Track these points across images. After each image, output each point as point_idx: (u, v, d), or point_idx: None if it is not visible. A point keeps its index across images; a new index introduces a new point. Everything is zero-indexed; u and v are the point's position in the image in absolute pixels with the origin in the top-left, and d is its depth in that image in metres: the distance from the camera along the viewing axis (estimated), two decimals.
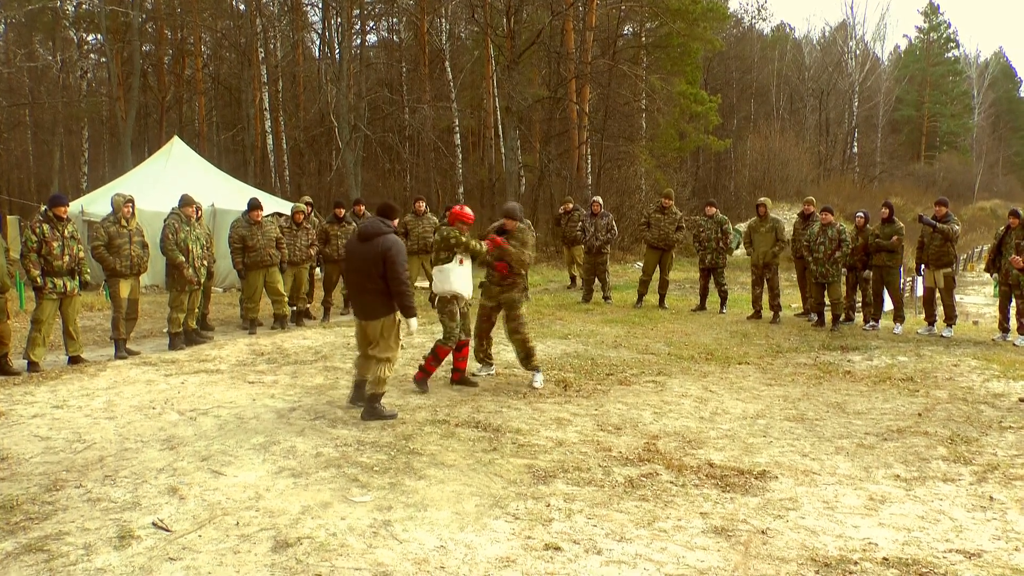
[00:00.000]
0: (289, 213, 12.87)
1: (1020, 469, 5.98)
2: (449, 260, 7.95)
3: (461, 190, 34.41)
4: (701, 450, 6.25)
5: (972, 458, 6.26)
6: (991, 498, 5.41)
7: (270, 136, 34.37)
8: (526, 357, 8.35)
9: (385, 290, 6.87)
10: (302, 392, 7.96)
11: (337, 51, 31.54)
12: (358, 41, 35.85)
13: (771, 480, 5.61)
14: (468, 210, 8.13)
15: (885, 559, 4.41)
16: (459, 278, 7.97)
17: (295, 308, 12.41)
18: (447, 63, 34.85)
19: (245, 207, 11.82)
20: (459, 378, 8.33)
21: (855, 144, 60.01)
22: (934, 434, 6.89)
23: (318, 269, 13.58)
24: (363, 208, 13.89)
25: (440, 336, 8.23)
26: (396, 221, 7.19)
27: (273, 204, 18.28)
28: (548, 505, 5.03)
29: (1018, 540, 4.73)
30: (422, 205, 14.06)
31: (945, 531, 4.85)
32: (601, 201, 14.90)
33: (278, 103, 35.68)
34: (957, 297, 18.28)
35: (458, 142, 34.63)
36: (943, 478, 5.81)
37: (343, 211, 12.82)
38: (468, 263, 8.08)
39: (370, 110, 33.41)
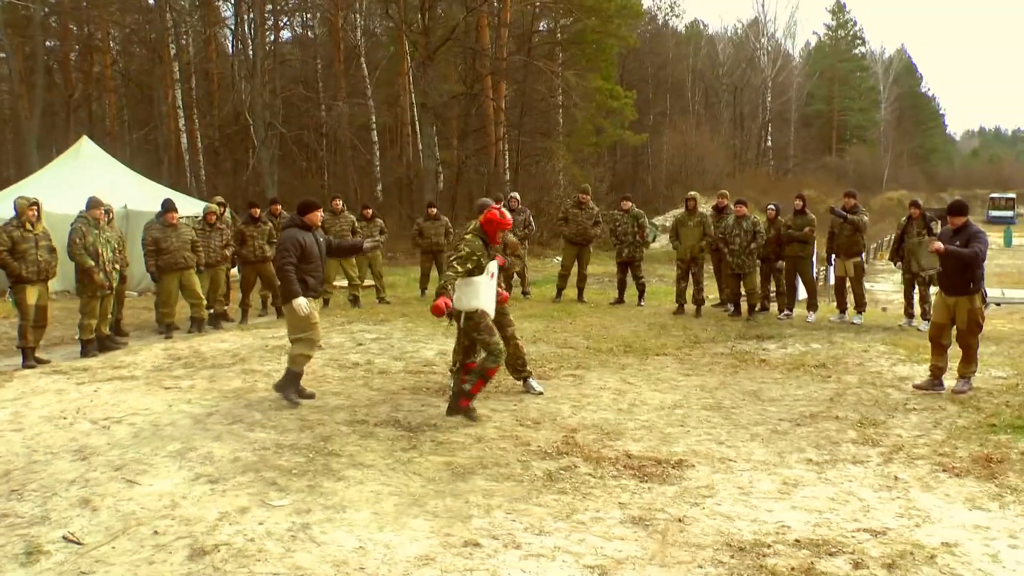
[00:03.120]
0: (201, 214, 12.60)
1: (922, 449, 6.22)
2: (478, 272, 6.89)
3: (380, 187, 34.18)
4: (619, 441, 6.33)
5: (879, 440, 6.49)
6: (896, 478, 5.62)
7: (184, 135, 33.61)
8: (523, 364, 7.88)
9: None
10: (219, 396, 7.81)
11: (251, 47, 30.94)
12: (272, 37, 35.25)
13: (688, 468, 5.72)
14: (500, 212, 7.10)
15: (797, 541, 4.54)
16: (488, 293, 7.07)
17: (212, 311, 12.17)
18: (362, 59, 34.54)
19: (160, 208, 11.56)
20: (468, 404, 7.02)
21: (769, 138, 61.42)
22: (844, 418, 7.11)
23: (235, 270, 13.33)
24: (279, 208, 13.69)
25: (482, 357, 7.08)
26: (316, 213, 7.56)
27: (188, 204, 17.87)
28: (467, 502, 5.04)
29: (919, 516, 4.92)
30: (339, 203, 13.92)
31: (854, 511, 5.02)
32: (519, 196, 14.94)
33: (192, 101, 34.89)
34: (868, 285, 18.87)
35: (375, 139, 34.36)
36: (852, 460, 6.01)
37: (258, 211, 12.61)
38: (496, 277, 7.22)
39: (285, 108, 32.92)
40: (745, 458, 6.00)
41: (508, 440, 6.32)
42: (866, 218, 12.32)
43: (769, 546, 4.46)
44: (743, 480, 5.52)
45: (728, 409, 7.41)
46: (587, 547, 4.42)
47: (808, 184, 48.81)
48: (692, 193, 13.76)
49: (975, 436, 6.56)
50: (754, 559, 4.31)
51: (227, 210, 13.04)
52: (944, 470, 5.76)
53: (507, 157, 32.56)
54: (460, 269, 6.77)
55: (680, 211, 13.65)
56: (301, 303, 7.27)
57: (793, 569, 4.20)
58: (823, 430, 6.75)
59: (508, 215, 7.13)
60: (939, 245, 7.76)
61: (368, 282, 14.58)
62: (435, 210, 15.16)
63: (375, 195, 33.21)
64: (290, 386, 7.49)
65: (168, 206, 11.49)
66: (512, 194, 15.19)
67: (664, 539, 4.54)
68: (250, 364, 9.32)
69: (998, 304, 18.53)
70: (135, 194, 17.39)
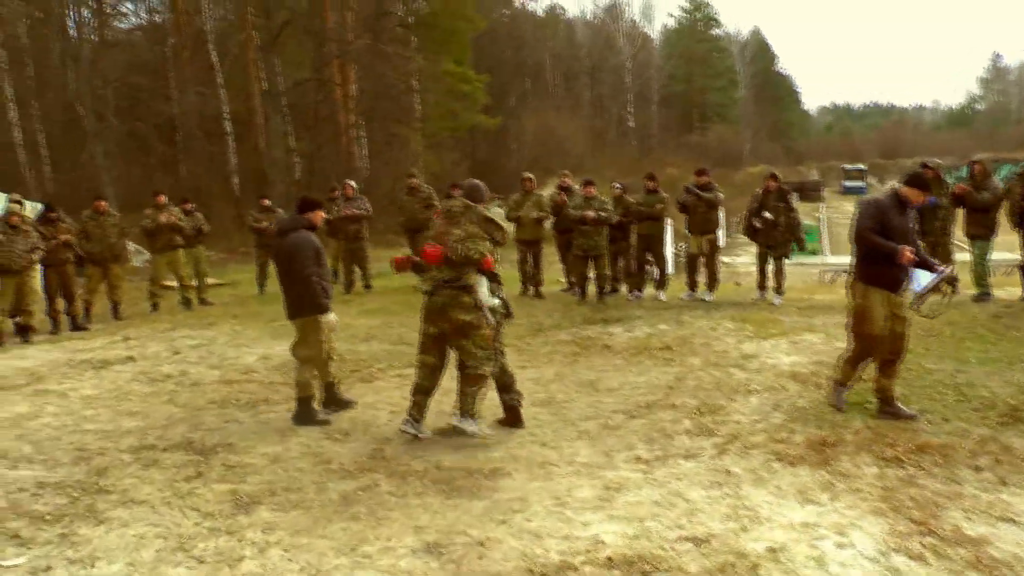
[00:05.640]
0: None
1: (758, 436, 5.86)
2: None
3: (237, 180, 32.61)
4: (432, 450, 5.70)
5: (716, 428, 6.11)
6: (728, 472, 5.22)
7: (18, 129, 30.97)
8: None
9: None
10: None
11: (73, 30, 28.67)
12: (92, 21, 32.86)
13: (502, 478, 5.16)
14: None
15: (609, 559, 4.05)
16: None
17: (17, 322, 10.99)
18: (211, 45, 32.77)
19: None
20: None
21: (631, 118, 62.06)
22: (682, 406, 6.72)
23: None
24: (104, 204, 12.52)
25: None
26: (318, 214, 6.76)
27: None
28: (242, 540, 4.35)
29: (747, 517, 4.51)
30: (163, 198, 12.90)
31: (678, 516, 4.57)
32: (355, 184, 14.13)
33: (29, 90, 32.18)
34: (730, 259, 18.91)
35: (228, 130, 32.71)
36: (685, 455, 5.59)
37: (55, 213, 11.56)
38: None
39: (125, 98, 30.82)
40: (568, 461, 5.48)
41: (308, 458, 5.63)
42: (720, 195, 12.19)
43: (576, 569, 3.95)
44: (561, 488, 4.99)
45: (560, 404, 6.90)
46: None
47: (671, 162, 49.46)
48: (527, 174, 13.33)
49: (813, 417, 6.27)
50: None
51: (25, 207, 11.81)
52: (779, 459, 5.40)
53: (366, 144, 31.48)
54: None
55: (516, 194, 13.02)
56: (332, 319, 6.63)
57: None
58: (657, 421, 6.33)
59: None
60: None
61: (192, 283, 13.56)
62: (268, 201, 14.29)
63: (231, 188, 31.64)
64: (310, 414, 6.55)
65: None
66: (347, 181, 14.39)
67: (458, 569, 3.97)
68: (46, 384, 8.29)
69: (847, 273, 18.83)
70: None
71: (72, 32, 28.94)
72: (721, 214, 12.51)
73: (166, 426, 6.58)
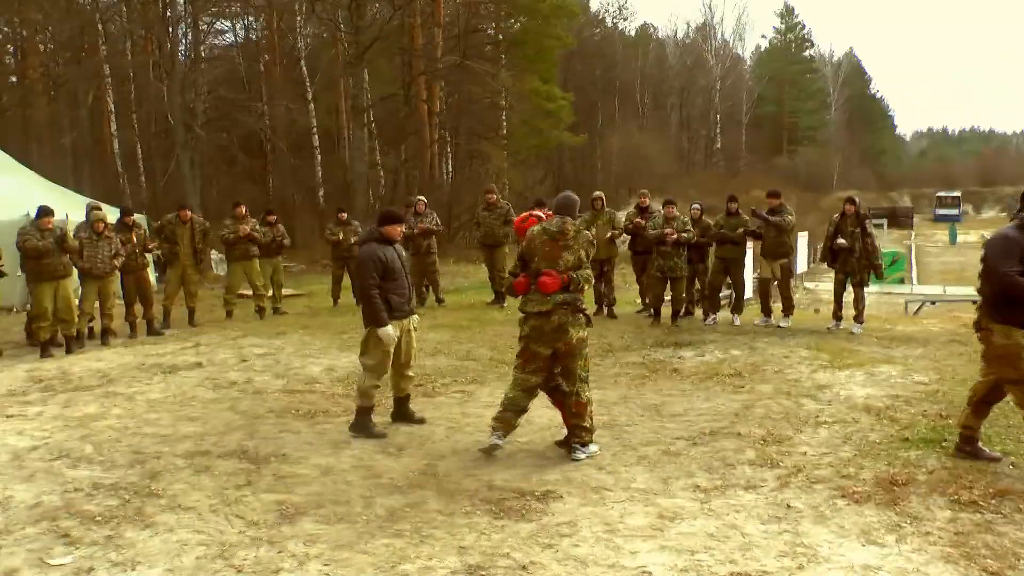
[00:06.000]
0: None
1: (824, 470, 5.59)
2: None
3: (322, 192, 33.24)
4: (487, 469, 5.61)
5: (780, 460, 5.85)
6: (788, 506, 4.98)
7: (116, 140, 32.15)
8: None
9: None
10: (61, 425, 6.96)
11: (168, 46, 29.58)
12: (189, 36, 33.84)
13: (554, 501, 5.03)
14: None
15: None
16: None
17: (92, 326, 11.30)
18: (302, 61, 33.53)
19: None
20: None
21: (718, 139, 61.32)
22: (747, 435, 6.48)
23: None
24: (189, 214, 12.82)
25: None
26: (397, 227, 6.72)
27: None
28: (282, 551, 4.31)
29: (804, 555, 4.28)
30: (242, 210, 13.12)
31: (732, 550, 4.37)
32: (425, 200, 14.12)
33: (130, 103, 33.40)
34: (813, 285, 18.33)
35: (316, 144, 33.39)
36: (745, 485, 5.36)
37: (132, 219, 11.90)
38: None
39: (216, 111, 31.69)
40: (624, 486, 5.31)
41: (360, 471, 5.58)
42: (790, 218, 11.81)
43: None
44: (613, 514, 4.83)
45: (621, 427, 6.73)
46: None
47: (758, 184, 48.41)
48: (598, 193, 13.08)
49: (884, 453, 5.95)
50: None
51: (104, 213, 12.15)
52: (843, 496, 5.13)
53: (449, 160, 31.73)
54: None
55: (587, 213, 12.75)
56: (389, 332, 6.43)
57: None
58: (720, 449, 6.10)
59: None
60: None
61: (267, 292, 13.73)
62: (345, 215, 14.43)
63: (316, 201, 32.24)
64: (366, 425, 6.56)
65: (43, 210, 10.64)
66: (418, 197, 14.42)
67: None
68: (116, 387, 8.47)
69: (933, 303, 18.19)
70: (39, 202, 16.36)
71: (169, 47, 29.74)
72: (802, 239, 12.05)
73: (223, 433, 6.63)
